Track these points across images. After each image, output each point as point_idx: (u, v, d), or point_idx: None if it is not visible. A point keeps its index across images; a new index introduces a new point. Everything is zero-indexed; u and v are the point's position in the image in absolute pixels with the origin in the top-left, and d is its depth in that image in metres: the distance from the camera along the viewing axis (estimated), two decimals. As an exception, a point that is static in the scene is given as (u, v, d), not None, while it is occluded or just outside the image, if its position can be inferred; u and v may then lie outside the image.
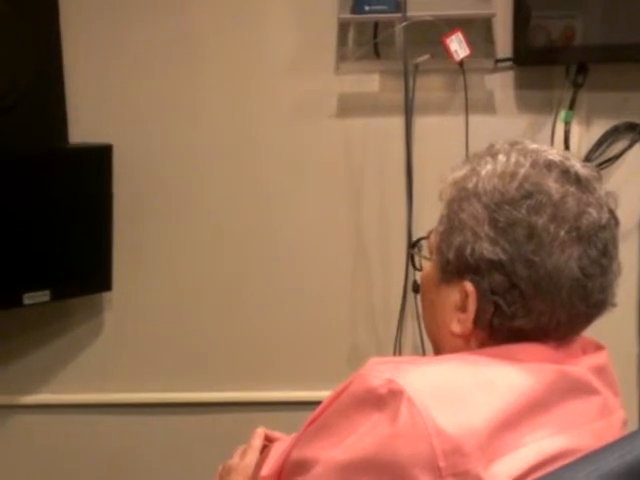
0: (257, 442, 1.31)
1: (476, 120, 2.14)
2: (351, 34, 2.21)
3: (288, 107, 2.24)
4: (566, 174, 0.97)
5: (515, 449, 0.89)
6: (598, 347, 1.06)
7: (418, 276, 1.16)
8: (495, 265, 0.95)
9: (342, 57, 2.21)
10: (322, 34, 2.19)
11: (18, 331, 2.35)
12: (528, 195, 0.95)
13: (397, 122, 2.21)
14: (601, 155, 2.20)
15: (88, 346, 2.38)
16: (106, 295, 2.33)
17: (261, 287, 2.33)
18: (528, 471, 0.89)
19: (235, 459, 1.32)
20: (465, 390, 0.91)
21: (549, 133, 2.16)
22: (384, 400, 0.90)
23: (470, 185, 0.99)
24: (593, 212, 0.95)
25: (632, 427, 1.02)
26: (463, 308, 0.99)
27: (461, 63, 2.08)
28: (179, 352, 2.37)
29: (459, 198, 1.00)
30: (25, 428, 2.43)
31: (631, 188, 2.21)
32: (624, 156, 2.20)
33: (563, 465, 0.90)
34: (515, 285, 0.94)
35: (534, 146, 1.01)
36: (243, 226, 2.30)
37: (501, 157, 0.99)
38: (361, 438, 0.91)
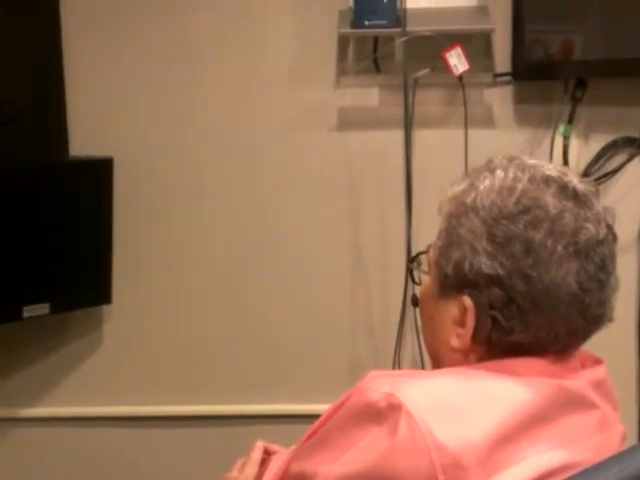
0: (256, 455, 1.31)
1: (475, 134, 2.14)
2: (351, 48, 2.22)
3: (288, 120, 2.24)
4: (564, 189, 0.97)
5: (514, 463, 0.89)
6: (597, 361, 1.06)
7: (418, 290, 1.16)
8: (493, 280, 0.95)
9: (342, 71, 2.22)
10: (322, 48, 2.20)
11: (17, 344, 2.35)
12: (526, 210, 0.95)
13: (396, 136, 2.21)
14: (600, 169, 2.20)
15: (87, 359, 2.38)
16: (106, 308, 2.33)
17: (260, 299, 2.33)
18: (527, 485, 0.89)
19: (234, 472, 1.32)
20: (464, 404, 0.91)
21: (548, 147, 2.17)
22: (383, 414, 0.90)
23: (468, 200, 0.99)
24: (591, 227, 0.96)
25: (631, 441, 1.02)
26: (462, 323, 0.99)
27: (460, 77, 2.08)
28: (179, 366, 2.37)
29: (457, 213, 1.00)
30: (24, 441, 2.42)
31: (630, 202, 2.21)
32: (623, 170, 2.21)
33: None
34: (513, 300, 0.95)
35: (532, 161, 1.01)
36: (242, 238, 2.30)
37: (499, 172, 1.00)
38: (360, 452, 0.91)
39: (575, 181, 0.99)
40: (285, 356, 2.35)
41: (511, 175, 0.99)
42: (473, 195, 0.99)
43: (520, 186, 0.97)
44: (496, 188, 0.98)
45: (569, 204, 0.96)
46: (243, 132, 2.26)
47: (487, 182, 0.99)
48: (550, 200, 0.96)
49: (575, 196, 0.97)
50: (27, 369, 2.37)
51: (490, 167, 1.02)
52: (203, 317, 2.35)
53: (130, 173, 2.22)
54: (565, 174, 0.99)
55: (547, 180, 0.98)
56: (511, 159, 1.02)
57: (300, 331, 2.33)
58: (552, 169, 1.00)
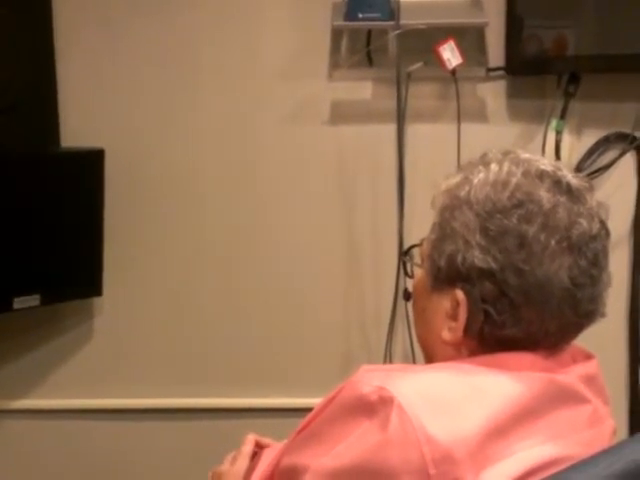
0: (247, 448, 1.31)
1: (468, 128, 2.15)
2: (344, 41, 2.22)
3: (281, 113, 2.24)
4: (558, 184, 0.97)
5: (505, 457, 0.89)
6: (588, 356, 1.07)
7: (409, 284, 1.16)
8: (486, 274, 0.95)
9: (335, 64, 2.21)
10: (315, 41, 2.19)
11: (7, 335, 2.34)
12: (519, 204, 0.95)
13: (389, 129, 2.21)
14: (592, 164, 2.21)
15: (78, 351, 2.37)
16: (97, 300, 2.33)
17: (253, 293, 2.33)
18: (518, 479, 0.89)
19: (225, 465, 1.31)
20: (456, 398, 0.91)
21: (540, 142, 2.17)
22: (374, 407, 0.90)
23: (462, 193, 0.99)
24: (584, 222, 0.96)
25: (621, 436, 1.02)
26: (454, 316, 0.99)
27: (453, 72, 2.08)
28: (170, 358, 2.37)
29: (451, 206, 1.00)
30: (14, 433, 2.42)
31: (621, 198, 2.22)
32: (615, 166, 2.21)
33: (552, 474, 0.91)
34: (505, 294, 0.95)
35: (526, 155, 1.01)
36: (235, 230, 2.30)
37: (494, 166, 1.00)
38: (351, 445, 0.91)
39: (569, 176, 0.99)
40: (277, 350, 2.35)
41: (505, 169, 0.99)
42: (467, 188, 0.99)
43: (514, 180, 0.97)
44: (490, 182, 0.98)
45: (563, 199, 0.96)
46: (236, 125, 2.25)
47: (481, 176, 0.99)
48: (544, 195, 0.96)
49: (569, 191, 0.97)
50: (17, 361, 2.37)
51: (484, 161, 1.02)
52: (195, 310, 2.34)
53: (122, 165, 2.21)
54: (559, 169, 0.99)
55: (541, 175, 0.98)
56: (506, 153, 1.02)
57: (292, 324, 2.33)
58: (546, 164, 1.00)
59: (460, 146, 2.13)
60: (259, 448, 1.32)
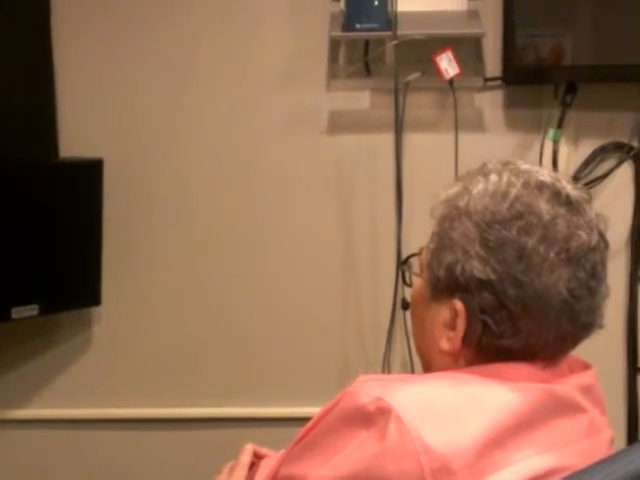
0: (245, 458, 1.31)
1: (465, 138, 2.15)
2: (342, 51, 2.22)
3: (279, 123, 2.24)
4: (557, 195, 0.97)
5: (502, 468, 0.89)
6: (585, 366, 1.07)
7: (408, 293, 1.16)
8: (485, 284, 0.95)
9: (333, 74, 2.22)
10: (314, 51, 2.20)
11: (6, 345, 2.34)
12: (519, 215, 0.95)
13: (387, 139, 2.22)
14: (589, 174, 2.21)
15: (77, 361, 2.37)
16: (95, 310, 2.33)
17: (251, 302, 2.33)
18: (516, 489, 0.90)
19: (223, 475, 1.31)
20: (453, 408, 0.91)
21: (537, 152, 2.17)
22: (372, 418, 0.90)
23: (462, 204, 0.99)
24: (583, 234, 0.96)
25: (619, 446, 1.03)
26: (452, 326, 0.99)
27: (451, 81, 2.09)
28: (168, 368, 2.36)
29: (450, 216, 1.00)
30: (13, 443, 2.41)
31: (619, 207, 2.22)
32: (612, 175, 2.22)
33: (550, 484, 0.91)
34: (504, 305, 0.95)
35: (526, 166, 1.01)
36: (233, 241, 2.30)
37: (493, 177, 1.00)
38: (349, 456, 0.91)
39: (568, 187, 0.99)
40: (275, 359, 2.34)
41: (505, 180, 0.99)
42: (466, 199, 0.99)
43: (514, 191, 0.97)
44: (489, 192, 0.98)
45: (562, 210, 0.96)
46: (234, 135, 2.26)
47: (480, 186, 0.99)
48: (543, 206, 0.96)
49: (568, 202, 0.97)
50: (16, 371, 2.36)
51: (484, 171, 1.02)
52: (193, 320, 2.34)
53: (120, 175, 2.22)
54: (559, 180, 1.00)
55: (541, 186, 0.98)
56: (505, 164, 1.02)
57: (290, 334, 2.33)
58: (546, 175, 1.00)
59: (458, 155, 2.13)
60: (257, 458, 1.32)
